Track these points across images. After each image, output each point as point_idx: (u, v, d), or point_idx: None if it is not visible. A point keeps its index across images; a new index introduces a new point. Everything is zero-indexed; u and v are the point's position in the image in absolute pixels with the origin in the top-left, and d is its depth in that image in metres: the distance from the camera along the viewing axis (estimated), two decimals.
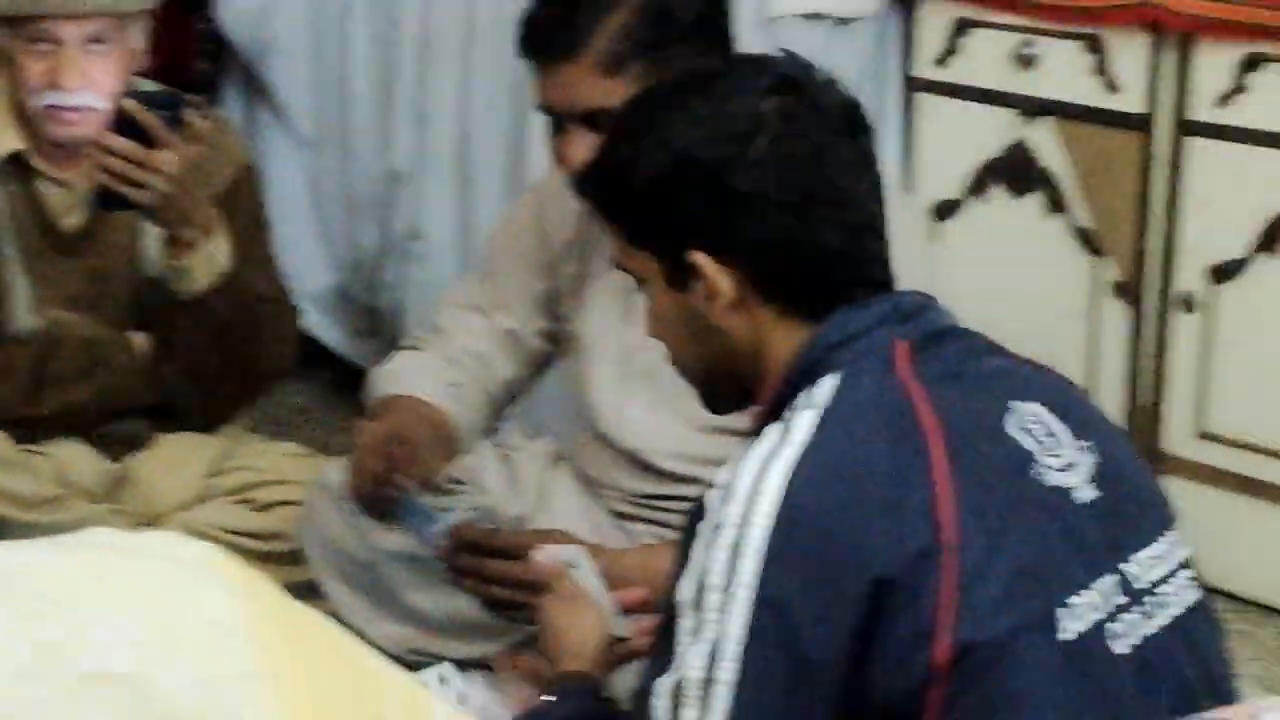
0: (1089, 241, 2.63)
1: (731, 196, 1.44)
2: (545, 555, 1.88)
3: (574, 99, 1.93)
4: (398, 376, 2.22)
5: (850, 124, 1.51)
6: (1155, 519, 1.45)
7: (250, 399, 2.58)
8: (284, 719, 1.01)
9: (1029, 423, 1.40)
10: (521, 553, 1.97)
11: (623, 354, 2.07)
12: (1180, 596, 1.41)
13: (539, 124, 2.19)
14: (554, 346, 2.22)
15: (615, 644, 1.75)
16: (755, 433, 1.44)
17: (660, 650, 1.39)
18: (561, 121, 1.96)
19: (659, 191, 1.46)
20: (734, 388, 1.51)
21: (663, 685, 1.36)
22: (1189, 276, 2.49)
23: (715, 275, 1.42)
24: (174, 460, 2.46)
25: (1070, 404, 1.47)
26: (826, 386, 1.38)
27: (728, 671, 1.32)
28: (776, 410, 1.42)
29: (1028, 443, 1.38)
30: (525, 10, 1.99)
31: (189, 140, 2.29)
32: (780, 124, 1.45)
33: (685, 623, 1.34)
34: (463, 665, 2.12)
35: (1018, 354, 1.55)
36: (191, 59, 3.36)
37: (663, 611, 1.41)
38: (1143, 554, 1.40)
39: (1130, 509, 1.43)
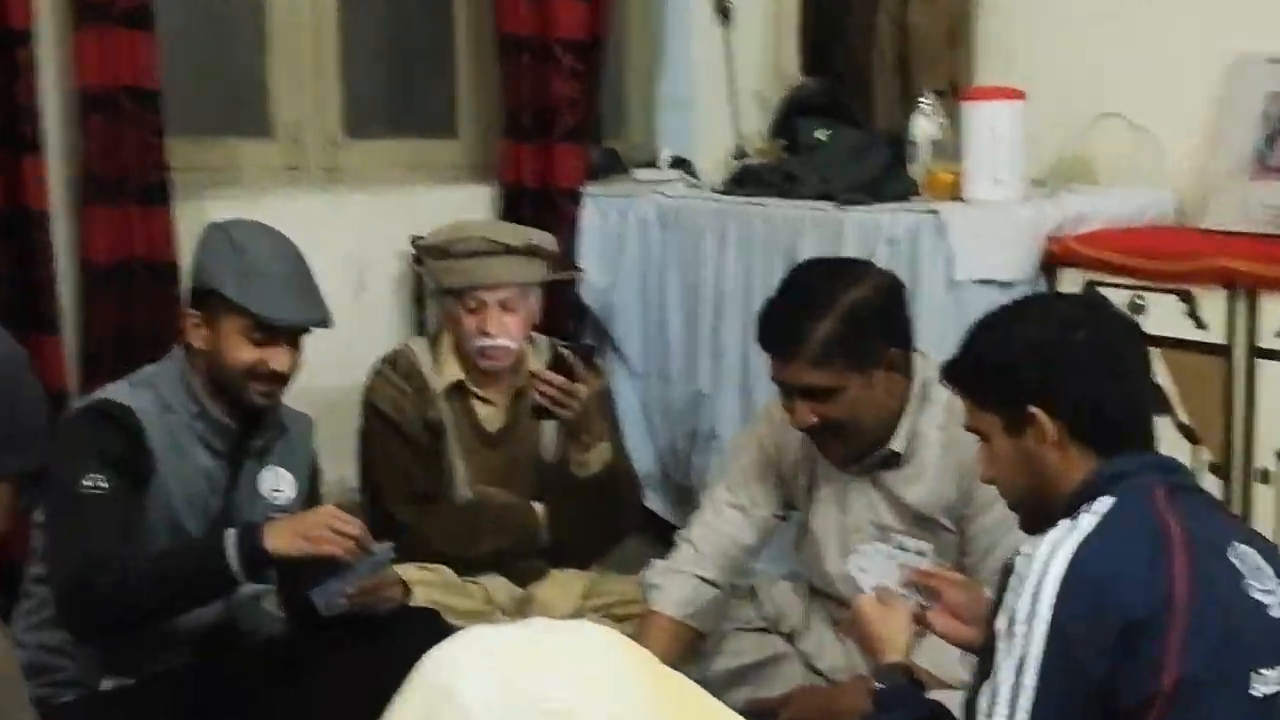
0: (1188, 433, 2.84)
1: (1063, 370, 1.69)
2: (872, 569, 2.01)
3: (794, 380, 2.27)
4: (657, 592, 2.48)
5: (1136, 333, 1.80)
6: None
7: (610, 547, 2.95)
8: None
9: (1243, 556, 1.64)
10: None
11: (842, 537, 2.45)
12: None
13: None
14: (782, 522, 2.57)
15: (917, 614, 1.94)
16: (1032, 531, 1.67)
17: (981, 668, 1.62)
18: (789, 393, 2.30)
19: (1008, 369, 1.72)
20: (1039, 509, 1.72)
21: (983, 692, 1.58)
22: (1263, 457, 2.76)
23: (1046, 422, 1.68)
24: (562, 587, 2.81)
25: (1271, 553, 1.68)
26: (1105, 503, 1.62)
27: (1030, 678, 1.54)
28: (1065, 514, 1.64)
29: (1241, 567, 1.63)
30: (762, 307, 2.31)
31: (594, 377, 2.72)
32: (1094, 323, 1.72)
33: (1000, 645, 1.57)
34: None
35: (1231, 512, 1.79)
36: (564, 318, 3.70)
37: (984, 641, 1.64)
38: None
39: None
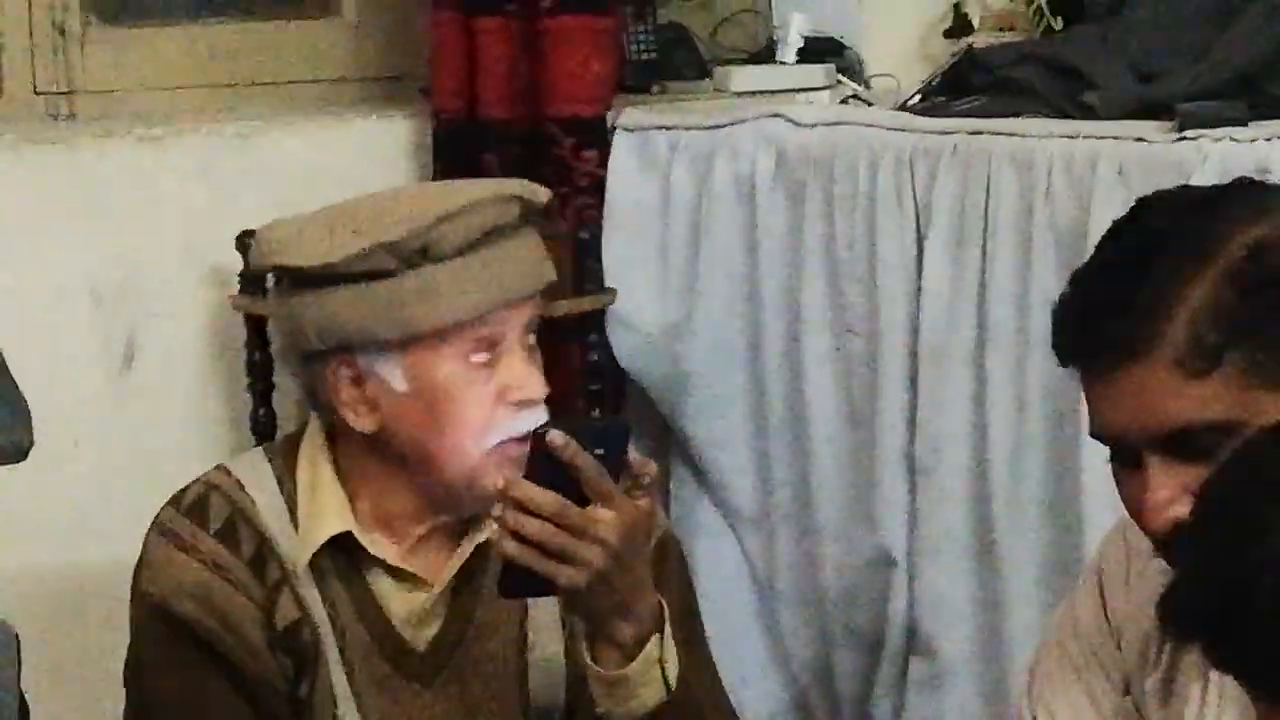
0: None
1: None
2: None
3: (1148, 415, 1.71)
4: None
5: None
6: None
7: None
8: None
9: None
10: None
11: None
12: None
13: (1097, 474, 2.17)
14: None
15: None
16: None
17: None
18: (1131, 453, 1.72)
19: None
20: None
21: None
22: None
23: None
24: None
25: None
26: None
27: None
28: None
29: None
30: (1061, 296, 1.77)
31: (632, 493, 1.96)
32: None
33: None
34: None
35: None
36: (573, 398, 3.26)
37: None
38: None
39: None
